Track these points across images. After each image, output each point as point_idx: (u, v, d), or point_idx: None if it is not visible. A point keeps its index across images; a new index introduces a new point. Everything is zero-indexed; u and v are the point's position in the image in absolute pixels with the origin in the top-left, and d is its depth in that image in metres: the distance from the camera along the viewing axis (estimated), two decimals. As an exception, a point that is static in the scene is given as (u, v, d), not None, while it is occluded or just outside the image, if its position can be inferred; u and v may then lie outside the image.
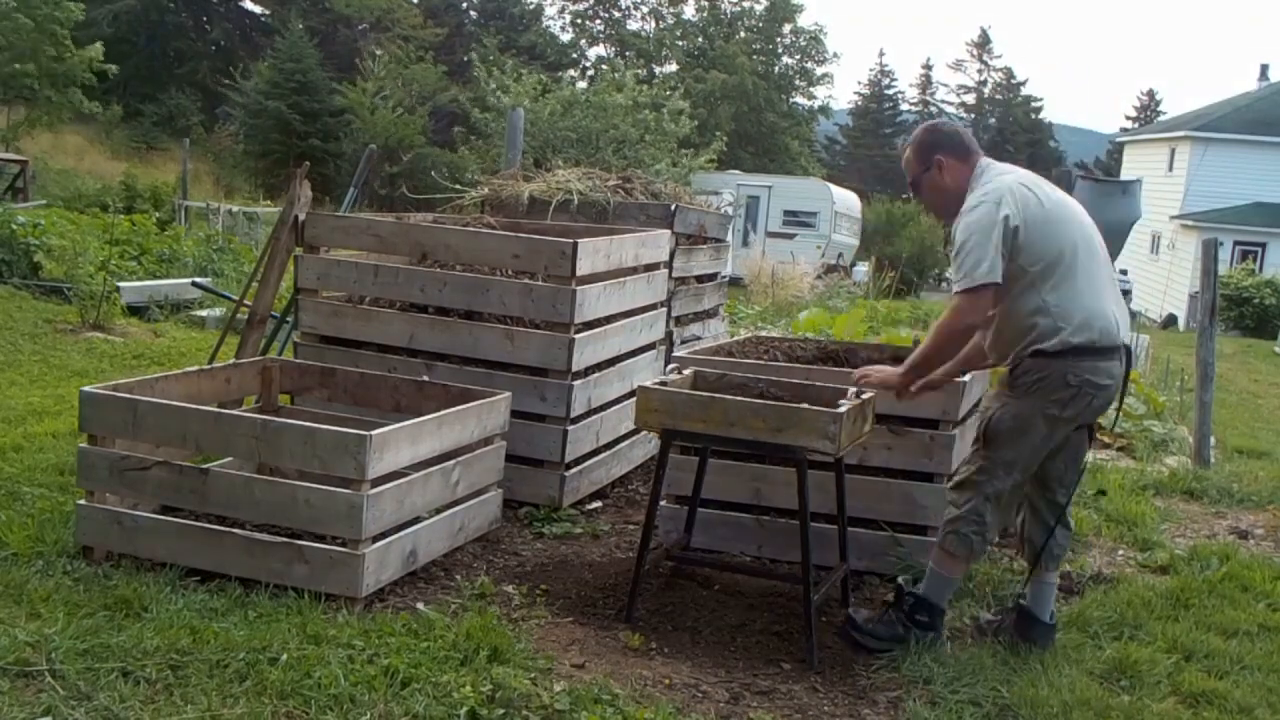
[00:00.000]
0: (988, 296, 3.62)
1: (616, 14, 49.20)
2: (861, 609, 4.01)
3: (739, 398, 3.87)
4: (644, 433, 5.28)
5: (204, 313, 10.19)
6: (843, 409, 3.70)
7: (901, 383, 3.89)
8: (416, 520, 4.13)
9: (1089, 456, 3.80)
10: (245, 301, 6.39)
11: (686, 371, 4.25)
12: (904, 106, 67.67)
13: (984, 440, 3.75)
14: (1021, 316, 3.66)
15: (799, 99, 49.07)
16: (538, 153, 19.28)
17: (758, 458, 4.37)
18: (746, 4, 48.11)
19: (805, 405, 3.78)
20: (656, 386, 3.97)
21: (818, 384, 4.12)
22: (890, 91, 67.28)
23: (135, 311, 9.82)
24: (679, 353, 4.82)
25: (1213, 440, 7.17)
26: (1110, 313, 3.69)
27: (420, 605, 3.69)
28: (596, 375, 5.21)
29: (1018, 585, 4.48)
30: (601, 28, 49.44)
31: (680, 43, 46.84)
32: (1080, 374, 3.61)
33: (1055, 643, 3.90)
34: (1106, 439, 7.41)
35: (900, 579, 4.03)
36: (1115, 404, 3.84)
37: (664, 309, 5.99)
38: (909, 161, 3.90)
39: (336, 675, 3.16)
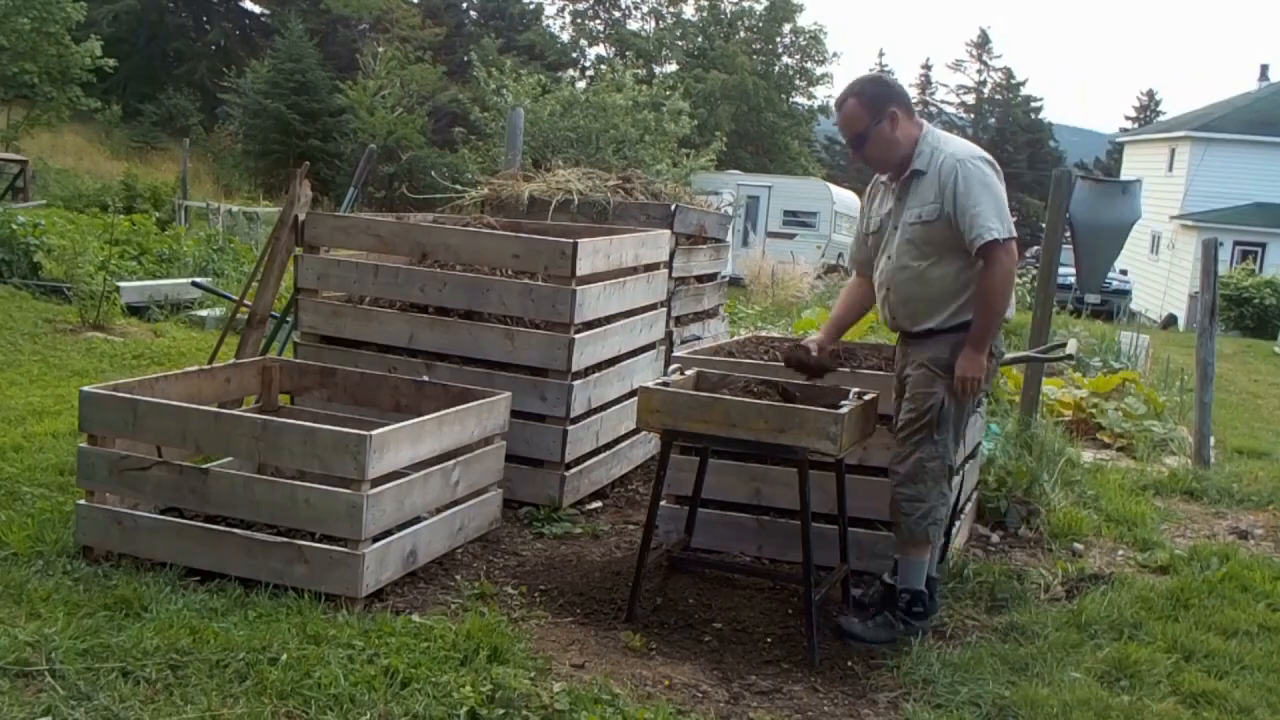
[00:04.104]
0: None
1: (616, 14, 49.18)
2: (851, 617, 4.01)
3: (741, 398, 3.87)
4: (644, 433, 5.28)
5: (204, 313, 10.19)
6: (844, 410, 3.70)
7: (981, 358, 3.83)
8: (416, 520, 4.13)
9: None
10: (245, 301, 6.38)
11: (689, 372, 4.25)
12: (904, 106, 67.55)
13: (933, 425, 3.80)
14: (960, 283, 3.82)
15: (799, 99, 49.03)
16: (538, 153, 19.25)
17: (758, 458, 4.37)
18: (746, 4, 48.09)
19: (807, 406, 3.79)
20: (658, 387, 3.97)
21: (819, 384, 4.11)
22: (890, 91, 67.17)
23: (135, 311, 9.82)
24: (679, 353, 4.81)
25: (1213, 440, 7.17)
26: None
27: (416, 617, 3.69)
28: (596, 375, 5.21)
29: (1015, 584, 4.49)
30: (601, 28, 49.41)
31: (680, 43, 46.80)
32: (998, 344, 3.94)
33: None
34: (1107, 439, 7.41)
35: (886, 577, 4.07)
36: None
37: (664, 309, 5.99)
38: (854, 114, 3.83)
39: (336, 675, 3.16)
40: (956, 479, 4.37)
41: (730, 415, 3.76)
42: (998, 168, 3.86)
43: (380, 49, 35.49)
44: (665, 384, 4.07)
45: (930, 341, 3.88)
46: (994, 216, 3.69)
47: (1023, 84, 65.56)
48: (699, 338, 6.49)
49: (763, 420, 3.72)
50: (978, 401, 4.09)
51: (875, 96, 3.83)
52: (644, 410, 3.89)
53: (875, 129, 3.82)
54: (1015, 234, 3.76)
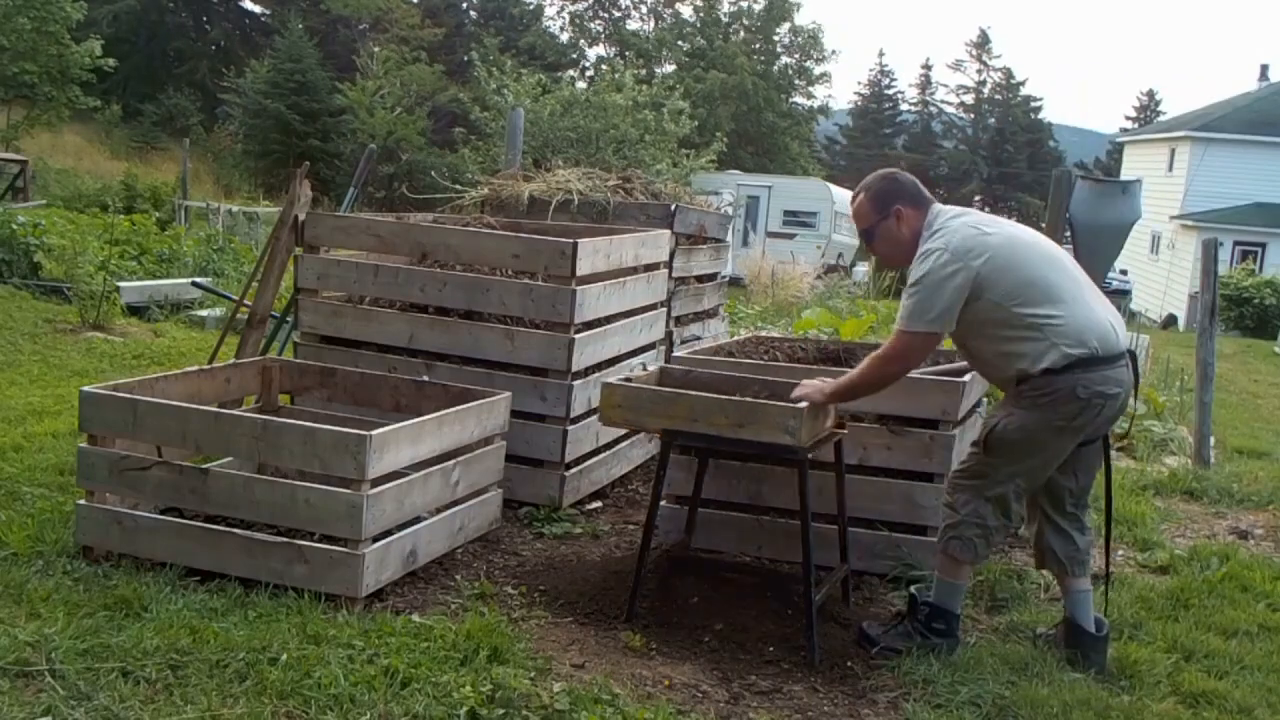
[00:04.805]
0: (930, 342, 3.73)
1: (616, 14, 49.20)
2: (873, 622, 3.99)
3: (701, 393, 3.88)
4: (644, 433, 5.28)
5: (204, 313, 10.19)
6: (803, 404, 3.71)
7: (823, 403, 3.86)
8: (416, 520, 4.13)
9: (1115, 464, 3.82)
10: (245, 301, 6.39)
11: (652, 368, 4.26)
12: (904, 106, 67.72)
13: (986, 447, 3.73)
14: (1011, 344, 3.65)
15: (798, 99, 49.08)
16: (538, 153, 19.28)
17: (756, 457, 4.37)
18: (744, 3, 48.13)
19: (766, 400, 3.79)
20: (620, 382, 3.98)
21: (785, 380, 4.10)
22: (890, 91, 67.31)
23: (135, 311, 9.82)
24: (679, 352, 4.82)
25: (1213, 440, 7.17)
26: (1105, 321, 3.68)
27: (417, 617, 3.69)
28: (596, 375, 5.21)
29: (1015, 584, 4.49)
30: (601, 28, 49.44)
31: (680, 43, 46.83)
32: (1090, 385, 3.58)
33: (1108, 658, 3.81)
34: (1110, 442, 7.40)
35: (913, 589, 4.03)
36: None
37: (664, 309, 5.99)
38: (863, 209, 3.89)
39: (336, 675, 3.16)
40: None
41: (693, 411, 3.77)
42: (958, 249, 3.64)
43: (377, 49, 35.50)
44: (629, 380, 4.08)
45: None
46: (910, 308, 3.66)
47: (1023, 84, 65.66)
48: (699, 338, 6.49)
49: (723, 415, 3.73)
50: (1058, 445, 3.72)
51: (881, 194, 3.87)
52: (606, 405, 3.90)
53: (881, 226, 3.85)
54: (929, 329, 3.66)
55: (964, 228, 3.71)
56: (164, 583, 3.76)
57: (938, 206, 3.86)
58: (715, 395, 3.86)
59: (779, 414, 3.69)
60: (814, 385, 3.88)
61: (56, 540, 4.09)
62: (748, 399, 3.85)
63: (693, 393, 3.90)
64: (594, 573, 4.35)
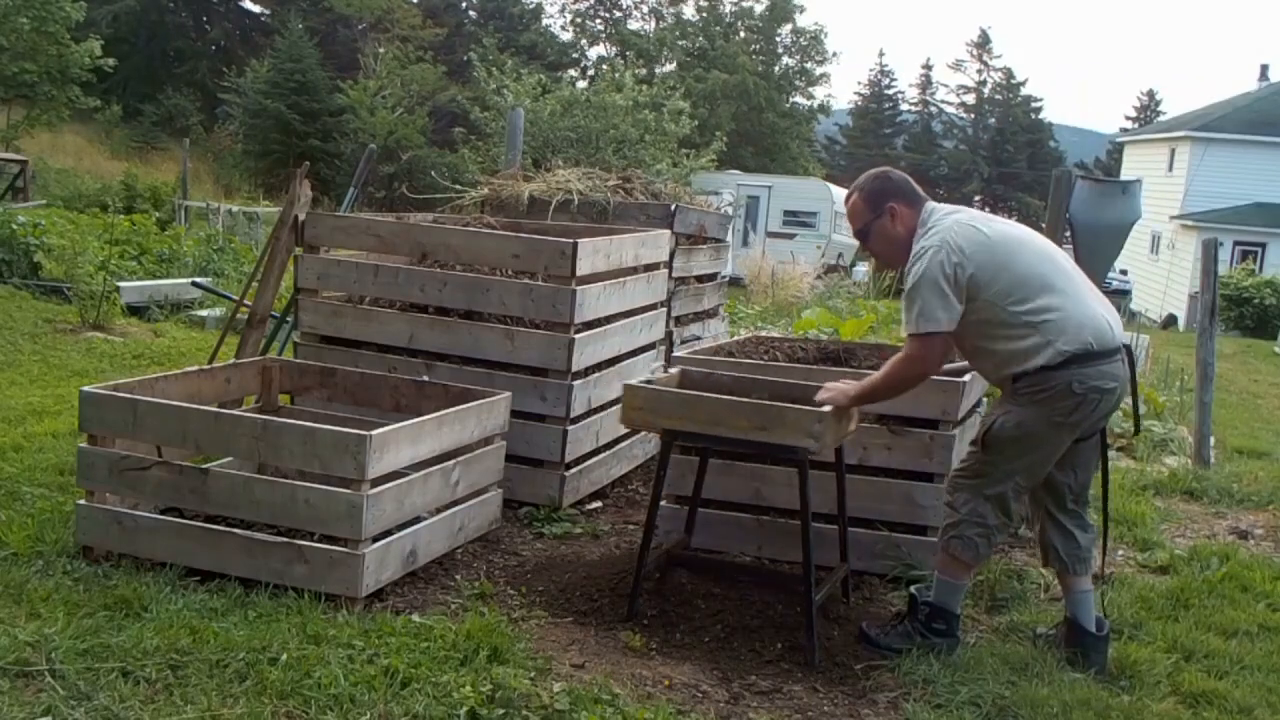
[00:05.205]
0: (945, 342, 3.71)
1: (617, 13, 49.19)
2: (873, 622, 3.98)
3: (724, 396, 3.88)
4: (644, 432, 5.28)
5: (204, 313, 10.20)
6: (827, 407, 3.70)
7: (848, 405, 3.86)
8: (416, 520, 4.13)
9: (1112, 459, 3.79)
10: (245, 301, 6.39)
11: (673, 370, 4.26)
12: (904, 106, 67.77)
13: (984, 445, 3.73)
14: (1007, 342, 3.66)
15: (799, 99, 49.08)
16: (538, 153, 19.28)
17: (757, 457, 4.38)
18: (746, 3, 48.13)
19: (790, 404, 3.79)
20: (643, 384, 3.98)
21: (803, 383, 4.10)
22: (890, 91, 67.36)
23: (135, 311, 9.82)
24: (679, 352, 4.82)
25: (1213, 440, 7.17)
26: (1100, 316, 3.68)
27: (417, 617, 3.69)
28: (596, 375, 5.21)
29: (1015, 584, 4.49)
30: (601, 27, 49.43)
31: (681, 42, 46.82)
32: (1086, 380, 3.59)
33: (1109, 658, 3.81)
34: (1107, 439, 7.40)
35: (913, 589, 4.02)
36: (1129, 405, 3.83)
37: (664, 309, 5.99)
38: (857, 208, 3.88)
39: (336, 675, 3.16)
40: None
41: (715, 414, 3.76)
42: (951, 247, 3.64)
43: (381, 49, 35.49)
44: (650, 382, 4.08)
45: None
46: (916, 311, 3.65)
47: (1023, 84, 65.72)
48: (699, 338, 6.49)
49: (745, 418, 3.72)
50: (1055, 441, 3.71)
51: (873, 192, 3.87)
52: (628, 407, 3.89)
53: (875, 224, 3.85)
54: (940, 328, 3.64)
55: (958, 225, 3.71)
56: (164, 583, 3.76)
57: (931, 204, 3.86)
58: (739, 398, 3.86)
59: (804, 418, 3.66)
60: (838, 388, 3.87)
61: (56, 540, 4.10)
62: (774, 402, 3.83)
63: (716, 396, 3.90)
64: (594, 573, 4.35)
